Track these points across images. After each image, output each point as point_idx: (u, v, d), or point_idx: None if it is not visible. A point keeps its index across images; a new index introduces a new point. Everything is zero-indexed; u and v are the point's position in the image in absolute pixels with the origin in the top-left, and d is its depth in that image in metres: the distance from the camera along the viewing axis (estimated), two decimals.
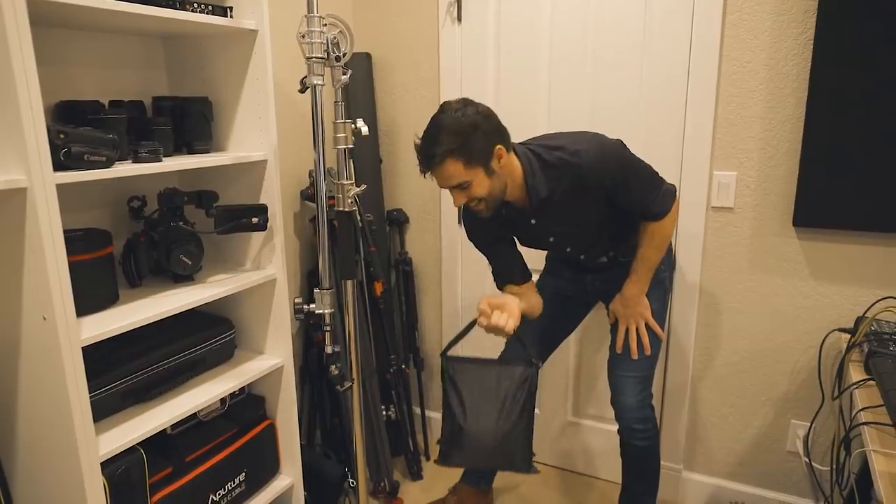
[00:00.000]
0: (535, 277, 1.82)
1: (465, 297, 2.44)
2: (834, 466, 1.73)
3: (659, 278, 1.76)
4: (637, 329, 1.73)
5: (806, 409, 1.94)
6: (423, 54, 2.29)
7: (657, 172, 1.62)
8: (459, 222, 2.34)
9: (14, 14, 1.00)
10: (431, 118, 1.49)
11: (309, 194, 2.16)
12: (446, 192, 2.34)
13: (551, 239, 1.71)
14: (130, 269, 1.48)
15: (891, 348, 1.51)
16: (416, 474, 2.38)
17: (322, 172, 1.53)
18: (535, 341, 1.91)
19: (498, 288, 1.76)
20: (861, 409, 1.36)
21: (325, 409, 2.23)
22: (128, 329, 1.26)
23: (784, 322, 1.92)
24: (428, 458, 2.49)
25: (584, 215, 1.63)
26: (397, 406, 2.36)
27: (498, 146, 1.49)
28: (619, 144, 1.55)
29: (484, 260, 2.33)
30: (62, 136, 1.12)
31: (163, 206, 1.49)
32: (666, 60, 1.92)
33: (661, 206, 1.61)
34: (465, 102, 1.49)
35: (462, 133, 1.44)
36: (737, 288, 1.97)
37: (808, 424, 1.93)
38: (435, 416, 2.60)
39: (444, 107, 1.49)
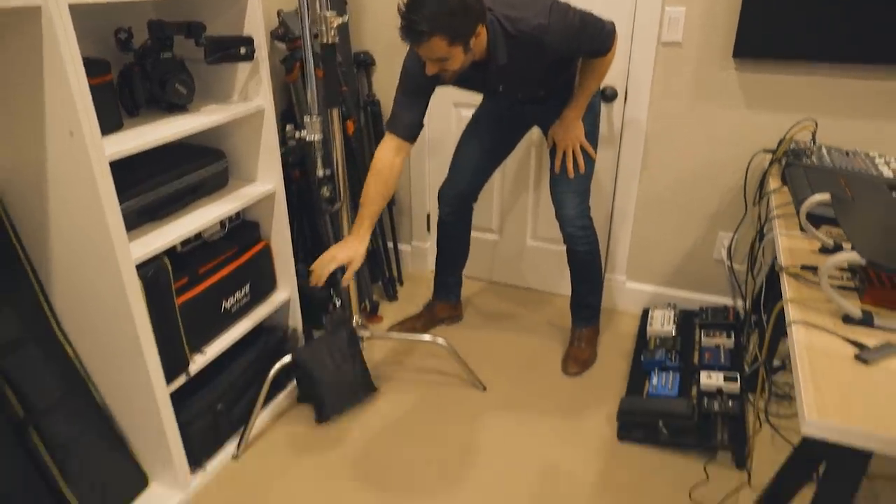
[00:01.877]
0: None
1: (431, 134, 2.60)
2: (750, 263, 2.06)
3: (590, 103, 1.95)
4: (574, 151, 1.94)
5: (732, 221, 2.25)
6: None
7: (597, 17, 1.72)
8: None
9: None
10: None
11: (279, 34, 2.20)
12: None
13: (501, 87, 1.86)
14: (128, 98, 1.56)
15: (803, 160, 1.78)
16: (391, 296, 2.66)
17: (306, 6, 1.59)
18: (467, 168, 2.13)
19: (387, 132, 1.81)
20: (775, 207, 1.65)
21: (306, 240, 2.43)
22: (148, 147, 1.39)
23: (719, 147, 2.17)
24: (402, 284, 2.77)
25: (533, 74, 1.78)
26: (373, 237, 2.58)
27: (480, 26, 1.56)
28: (566, 7, 1.65)
29: (448, 97, 2.47)
30: None
31: (153, 37, 1.54)
32: None
33: (607, 45, 1.76)
34: None
35: (455, 12, 1.47)
36: (680, 116, 2.19)
37: (732, 234, 2.26)
38: (405, 248, 2.85)
39: None
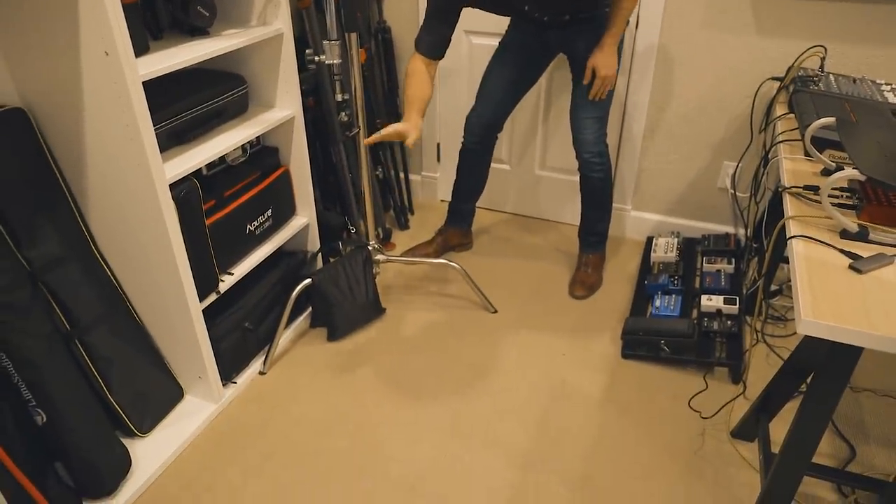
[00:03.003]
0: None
1: (442, 63, 2.61)
2: (754, 188, 2.13)
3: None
4: (606, 81, 1.96)
5: (737, 151, 2.30)
6: None
7: None
8: None
9: None
10: None
11: None
12: None
13: (526, 7, 1.85)
14: (151, 21, 1.58)
15: (810, 87, 1.82)
16: (403, 225, 2.74)
17: None
18: (496, 97, 2.16)
19: (416, 48, 1.86)
20: (781, 133, 1.70)
21: (320, 168, 2.48)
22: (177, 68, 1.43)
23: (728, 75, 2.20)
24: (412, 213, 2.84)
25: None
26: (384, 166, 2.63)
27: None
28: None
29: (460, 24, 2.47)
30: None
31: None
32: None
33: None
34: None
35: None
36: (691, 44, 2.20)
37: (736, 163, 2.31)
38: (415, 178, 2.91)
39: None
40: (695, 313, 2.09)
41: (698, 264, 2.33)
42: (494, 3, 1.88)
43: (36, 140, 1.45)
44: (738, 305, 2.02)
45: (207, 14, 1.61)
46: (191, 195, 1.56)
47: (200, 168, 1.65)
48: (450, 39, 1.87)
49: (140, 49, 1.48)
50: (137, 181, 1.43)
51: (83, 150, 1.45)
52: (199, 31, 1.66)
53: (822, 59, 1.98)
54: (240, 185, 1.82)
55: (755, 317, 2.14)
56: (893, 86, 1.84)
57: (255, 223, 1.87)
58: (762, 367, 1.97)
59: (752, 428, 1.72)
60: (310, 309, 2.19)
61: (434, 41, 1.84)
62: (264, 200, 1.89)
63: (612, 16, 1.88)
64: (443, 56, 1.88)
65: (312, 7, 2.21)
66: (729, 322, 2.00)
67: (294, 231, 2.05)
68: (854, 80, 1.89)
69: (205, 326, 1.70)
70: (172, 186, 1.50)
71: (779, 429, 1.73)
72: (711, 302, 2.05)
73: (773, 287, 2.28)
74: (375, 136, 1.71)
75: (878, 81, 1.88)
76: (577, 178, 2.22)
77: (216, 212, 1.72)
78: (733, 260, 2.25)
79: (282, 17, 1.76)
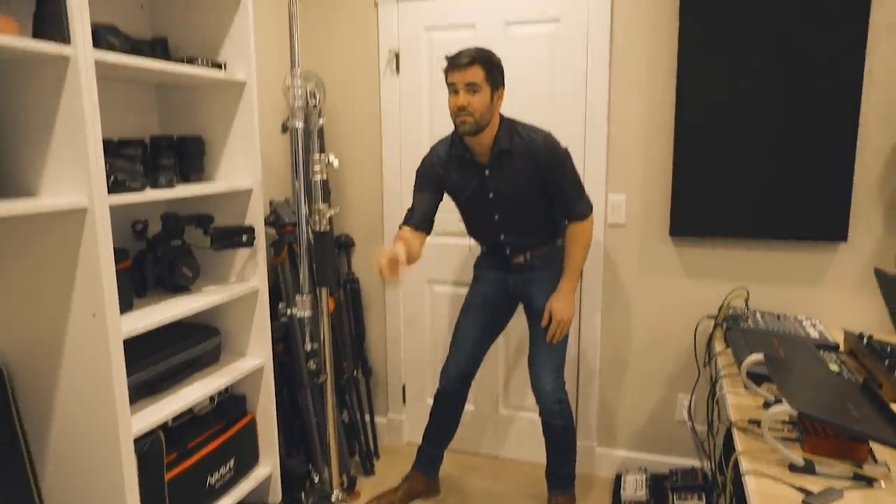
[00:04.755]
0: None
1: (407, 309, 2.79)
2: (709, 422, 2.19)
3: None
4: (565, 323, 2.11)
5: (688, 383, 2.42)
6: (366, 100, 2.67)
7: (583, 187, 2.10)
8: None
9: (87, 74, 1.29)
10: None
11: (271, 221, 2.45)
12: (389, 219, 2.70)
13: (491, 195, 2.07)
14: (138, 281, 1.72)
15: (741, 324, 2.01)
16: (368, 470, 2.66)
17: (303, 199, 1.85)
18: (468, 347, 2.29)
19: (404, 222, 2.10)
20: (722, 368, 1.83)
21: (286, 415, 2.48)
22: (156, 326, 1.53)
23: (667, 314, 2.41)
24: (378, 457, 2.78)
25: (523, 190, 2.04)
26: (350, 410, 2.64)
27: (502, 89, 1.98)
28: (566, 149, 2.04)
29: (425, 275, 2.70)
30: (108, 166, 1.39)
31: (167, 227, 1.75)
32: (568, 110, 2.41)
33: (584, 209, 2.08)
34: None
35: (491, 58, 1.93)
36: (631, 289, 2.45)
37: (690, 396, 2.42)
38: (381, 420, 2.90)
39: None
40: None
41: (670, 502, 2.28)
42: (466, 186, 2.09)
43: (5, 397, 1.47)
44: None
45: (191, 274, 1.76)
46: (154, 448, 1.54)
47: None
48: (435, 213, 2.11)
49: (125, 307, 1.58)
50: (102, 435, 1.43)
51: (52, 404, 1.47)
52: (181, 288, 1.80)
53: (746, 299, 2.21)
54: (204, 436, 1.80)
55: None
56: (813, 321, 2.04)
57: (217, 475, 1.81)
58: None
59: None
60: None
61: (423, 214, 2.08)
62: (227, 451, 1.87)
63: (567, 264, 2.12)
64: (430, 230, 2.11)
65: (287, 262, 2.42)
66: None
67: (256, 483, 1.98)
68: (778, 317, 2.10)
69: None
70: (136, 440, 1.49)
71: None
72: None
73: None
74: (381, 267, 1.81)
75: (799, 318, 2.10)
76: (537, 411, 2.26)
77: (177, 464, 1.68)
78: (703, 495, 2.22)
79: (259, 275, 1.93)
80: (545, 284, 2.15)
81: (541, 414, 2.19)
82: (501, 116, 2.03)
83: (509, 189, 2.06)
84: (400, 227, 2.10)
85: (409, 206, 2.13)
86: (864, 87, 2.04)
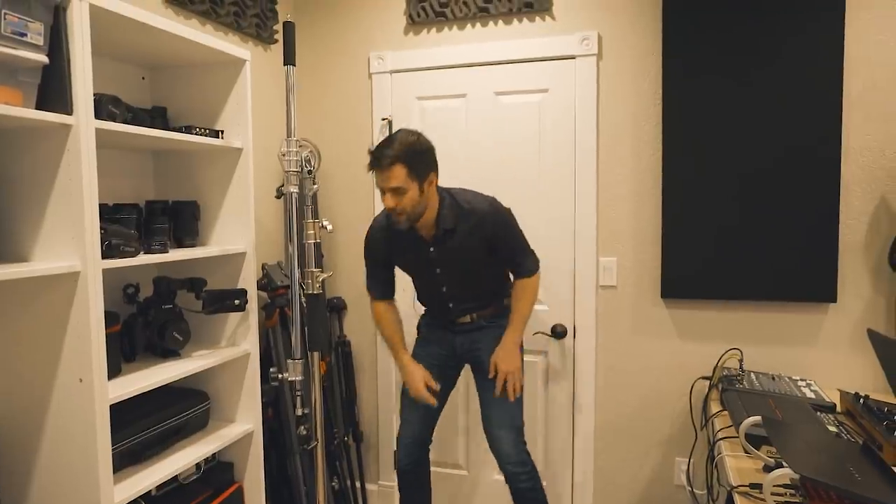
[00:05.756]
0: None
1: (399, 374, 2.75)
2: (709, 486, 2.14)
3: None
4: (513, 377, 2.02)
5: (685, 447, 2.38)
6: (360, 167, 2.71)
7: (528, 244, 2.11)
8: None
9: (88, 143, 1.32)
10: (390, 134, 1.90)
11: (262, 284, 2.44)
12: None
13: (438, 270, 2.05)
14: (127, 345, 1.70)
15: (736, 385, 2.00)
16: None
17: (296, 263, 1.85)
18: (420, 415, 2.19)
19: (372, 296, 2.17)
20: (719, 430, 1.81)
21: (274, 481, 2.40)
22: (145, 391, 1.49)
23: (661, 375, 2.39)
24: None
25: (469, 259, 2.03)
26: (340, 477, 2.57)
27: (433, 174, 1.91)
28: (506, 214, 2.04)
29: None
30: (103, 230, 1.40)
31: (159, 291, 1.74)
32: (558, 175, 2.47)
33: (531, 265, 2.09)
34: (418, 132, 1.91)
35: (413, 149, 1.85)
36: (624, 350, 2.44)
37: (688, 459, 2.37)
38: (372, 487, 2.81)
39: (402, 130, 1.92)
40: None
41: None
42: (414, 257, 2.07)
43: None
44: None
45: (182, 339, 1.74)
46: None
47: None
48: (394, 278, 2.17)
49: (113, 372, 1.56)
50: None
51: (32, 469, 1.42)
52: (171, 353, 1.78)
53: (740, 360, 2.21)
54: None
55: None
56: (808, 381, 2.03)
57: None
58: None
59: None
60: None
61: (383, 286, 2.15)
62: None
63: (513, 316, 2.08)
64: (393, 294, 2.17)
65: (278, 325, 2.40)
66: None
67: None
68: (773, 377, 2.09)
69: None
70: None
71: None
72: None
73: None
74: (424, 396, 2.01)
75: (794, 378, 2.09)
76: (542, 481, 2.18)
77: None
78: None
79: (250, 339, 1.91)
80: (491, 342, 2.10)
81: (506, 481, 2.07)
82: (440, 192, 1.99)
83: (455, 260, 2.04)
84: (372, 300, 2.18)
85: (368, 274, 2.18)
86: (842, 154, 2.11)
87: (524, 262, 2.08)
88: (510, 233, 2.05)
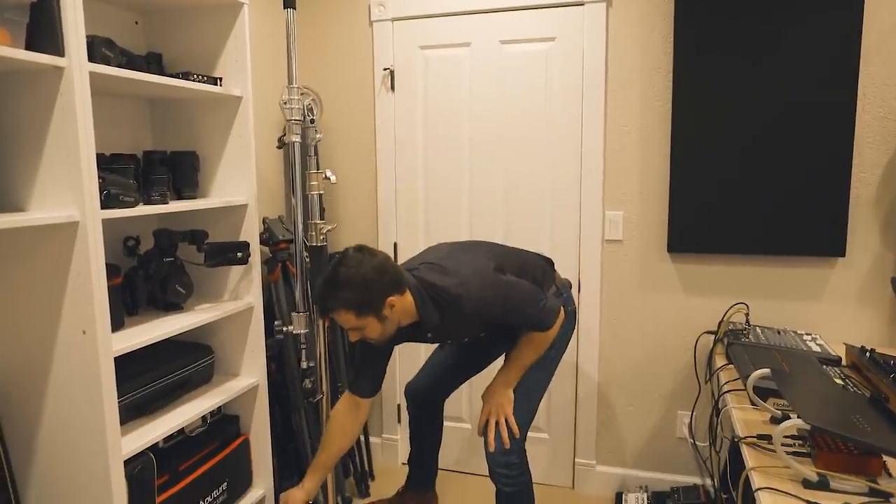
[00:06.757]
0: None
1: None
2: (711, 439, 2.17)
3: (548, 357, 1.92)
4: (497, 420, 1.85)
5: (688, 400, 2.39)
6: (361, 117, 2.65)
7: (538, 289, 1.80)
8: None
9: (82, 87, 1.26)
10: (332, 267, 1.59)
11: (264, 238, 2.41)
12: (384, 233, 2.67)
13: (448, 341, 2.02)
14: (129, 298, 1.68)
15: (742, 339, 1.99)
16: (363, 492, 2.60)
17: (300, 215, 1.82)
18: (436, 372, 2.13)
19: (349, 387, 1.85)
20: (725, 383, 1.81)
21: (279, 435, 2.42)
22: (149, 343, 1.48)
23: (666, 330, 2.39)
24: (373, 478, 2.72)
25: (470, 329, 1.87)
26: None
27: (390, 297, 1.60)
28: (494, 279, 1.72)
29: None
30: (101, 180, 1.36)
31: (159, 243, 1.71)
32: (564, 127, 2.41)
33: (544, 322, 1.78)
34: (363, 256, 1.59)
35: (356, 289, 1.55)
36: (629, 305, 2.42)
37: (690, 413, 2.39)
38: (375, 440, 2.84)
39: (343, 260, 1.59)
40: None
41: None
42: (414, 338, 1.85)
43: None
44: None
45: (184, 292, 1.72)
46: (145, 472, 1.49)
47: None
48: (383, 376, 1.87)
49: (116, 325, 1.54)
50: (91, 457, 1.38)
51: (38, 423, 1.42)
52: (173, 306, 1.76)
53: (746, 314, 2.20)
54: (196, 458, 1.75)
55: None
56: (813, 336, 2.03)
57: (209, 498, 1.76)
58: None
59: None
60: None
61: (370, 381, 1.84)
62: (220, 473, 1.81)
63: (514, 357, 1.87)
64: (373, 394, 1.85)
65: (280, 280, 2.38)
66: None
67: None
68: (778, 332, 2.08)
69: None
70: (127, 462, 1.44)
71: None
72: None
73: None
74: None
75: (799, 332, 2.08)
76: (543, 433, 2.18)
77: (169, 488, 1.63)
78: None
79: (254, 292, 1.89)
80: (510, 342, 1.94)
81: (490, 476, 1.88)
82: (412, 290, 1.67)
83: (461, 336, 1.93)
84: (343, 394, 1.89)
85: (357, 366, 1.86)
86: (858, 104, 2.06)
87: (534, 319, 1.78)
88: (504, 307, 1.72)
